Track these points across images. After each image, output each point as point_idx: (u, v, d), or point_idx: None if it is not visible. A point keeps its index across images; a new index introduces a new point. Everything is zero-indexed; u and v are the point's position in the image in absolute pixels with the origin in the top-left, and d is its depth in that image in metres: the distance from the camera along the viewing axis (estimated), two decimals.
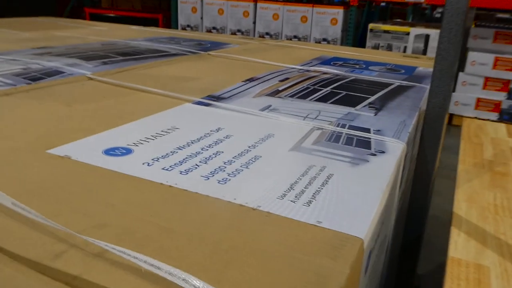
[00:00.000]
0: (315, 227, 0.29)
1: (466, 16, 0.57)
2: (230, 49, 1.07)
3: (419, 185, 0.65)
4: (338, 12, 2.75)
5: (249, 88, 0.66)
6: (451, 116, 2.67)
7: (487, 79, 2.57)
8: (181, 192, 0.32)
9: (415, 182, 0.65)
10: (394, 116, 0.57)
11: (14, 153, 0.38)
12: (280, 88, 0.67)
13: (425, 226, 0.71)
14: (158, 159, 0.38)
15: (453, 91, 2.63)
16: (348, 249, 0.27)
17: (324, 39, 2.81)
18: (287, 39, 2.88)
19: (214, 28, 3.06)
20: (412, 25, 2.89)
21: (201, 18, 3.09)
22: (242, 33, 3.00)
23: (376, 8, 3.49)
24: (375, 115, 0.57)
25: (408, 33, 2.73)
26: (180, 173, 0.36)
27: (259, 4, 2.92)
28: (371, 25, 2.76)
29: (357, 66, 0.92)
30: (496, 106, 2.58)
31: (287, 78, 0.75)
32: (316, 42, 2.83)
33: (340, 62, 0.96)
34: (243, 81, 0.70)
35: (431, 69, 0.89)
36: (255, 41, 1.28)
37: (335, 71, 0.84)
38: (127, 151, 0.40)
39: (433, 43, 2.73)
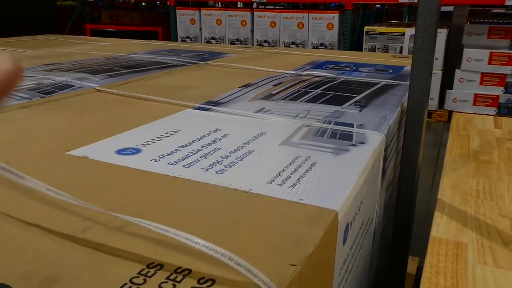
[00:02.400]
0: (297, 204, 0.34)
1: (438, 17, 0.63)
2: (227, 58, 1.13)
3: (405, 175, 0.70)
4: (333, 17, 2.81)
5: (245, 93, 0.72)
6: (450, 113, 2.71)
7: (483, 74, 2.61)
8: (184, 181, 0.38)
9: (401, 172, 0.70)
10: (377, 112, 0.62)
11: (37, 156, 0.44)
12: (273, 92, 0.73)
13: (413, 213, 0.76)
14: (164, 156, 0.44)
15: (451, 88, 2.68)
16: (324, 219, 0.32)
17: (322, 44, 2.87)
18: (285, 46, 2.95)
19: (213, 38, 3.14)
20: (407, 25, 2.95)
21: (200, 29, 3.16)
22: (241, 42, 3.07)
23: (371, 10, 3.55)
24: (359, 111, 0.62)
25: (403, 34, 2.79)
26: (183, 167, 0.41)
27: (256, 13, 2.99)
28: (366, 28, 2.82)
29: (348, 68, 0.97)
30: (494, 101, 2.62)
31: (280, 83, 0.80)
32: (313, 47, 2.89)
33: (332, 66, 1.01)
34: (239, 87, 0.76)
35: None
36: (252, 50, 1.34)
37: (326, 74, 0.90)
38: (137, 151, 0.45)
39: None
